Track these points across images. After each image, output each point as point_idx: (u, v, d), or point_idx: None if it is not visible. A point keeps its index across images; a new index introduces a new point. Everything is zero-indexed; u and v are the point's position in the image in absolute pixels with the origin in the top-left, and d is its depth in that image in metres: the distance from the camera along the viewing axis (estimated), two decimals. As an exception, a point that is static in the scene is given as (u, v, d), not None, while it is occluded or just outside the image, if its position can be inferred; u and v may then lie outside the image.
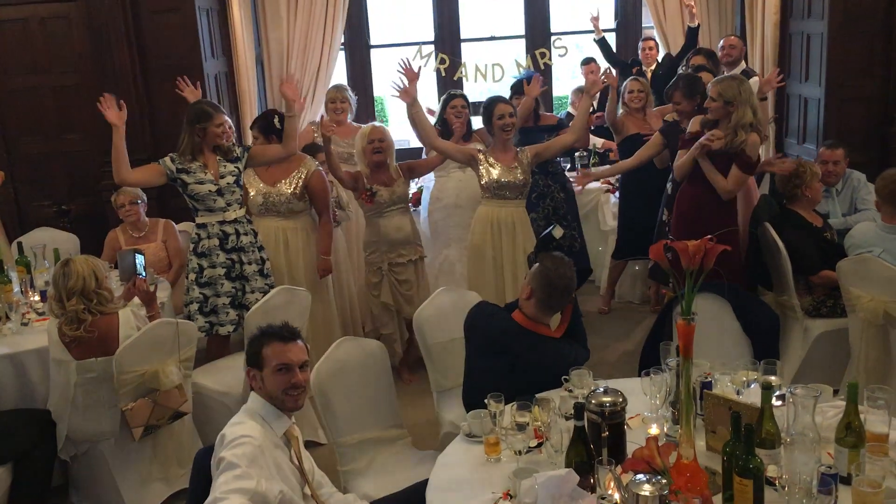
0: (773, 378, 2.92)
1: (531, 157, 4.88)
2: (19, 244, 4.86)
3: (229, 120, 4.71)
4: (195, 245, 4.62)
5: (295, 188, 4.99)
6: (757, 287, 4.98)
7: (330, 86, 6.45)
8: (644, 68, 7.29)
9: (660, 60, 7.41)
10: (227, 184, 4.56)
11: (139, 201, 5.27)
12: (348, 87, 6.20)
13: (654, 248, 2.43)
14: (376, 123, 5.27)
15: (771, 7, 6.99)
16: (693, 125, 4.71)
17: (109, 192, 5.45)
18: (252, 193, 5.00)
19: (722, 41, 6.61)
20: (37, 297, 4.55)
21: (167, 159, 4.54)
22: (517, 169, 4.82)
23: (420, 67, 5.15)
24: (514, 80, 6.29)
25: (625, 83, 5.89)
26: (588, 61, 7.65)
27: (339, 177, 5.04)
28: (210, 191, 4.52)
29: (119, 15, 6.03)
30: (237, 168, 4.61)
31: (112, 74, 6.11)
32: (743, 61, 6.71)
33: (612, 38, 8.36)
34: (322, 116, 5.81)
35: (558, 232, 3.78)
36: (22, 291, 4.63)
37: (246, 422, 2.62)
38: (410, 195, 5.61)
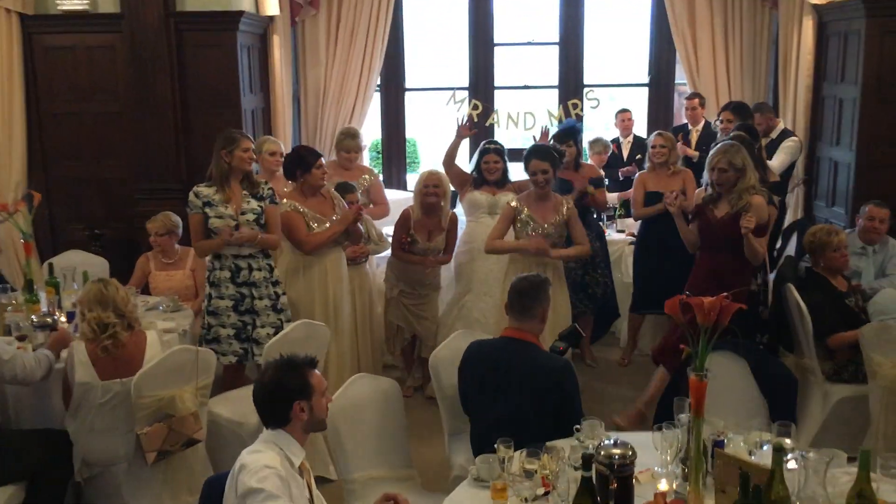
0: (786, 440, 2.90)
1: (567, 216, 4.93)
2: (50, 265, 4.96)
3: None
4: (209, 273, 4.71)
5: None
6: (779, 348, 4.95)
7: (342, 129, 6.44)
8: (690, 128, 7.28)
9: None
10: (247, 220, 4.62)
11: (171, 232, 5.36)
12: (360, 133, 6.28)
13: (669, 303, 2.44)
14: (434, 169, 5.48)
15: (804, 70, 7.03)
16: (698, 198, 4.75)
17: (142, 218, 5.56)
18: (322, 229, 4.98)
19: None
20: (63, 318, 4.62)
21: (192, 197, 4.61)
22: (552, 222, 4.89)
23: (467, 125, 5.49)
24: (561, 128, 6.32)
25: (651, 137, 5.94)
26: (624, 110, 7.70)
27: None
28: (228, 225, 4.59)
29: (163, 47, 6.19)
30: (260, 207, 4.67)
31: (152, 104, 6.26)
32: (780, 121, 6.72)
33: (644, 94, 8.45)
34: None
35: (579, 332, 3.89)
36: (49, 312, 4.70)
37: (265, 451, 2.65)
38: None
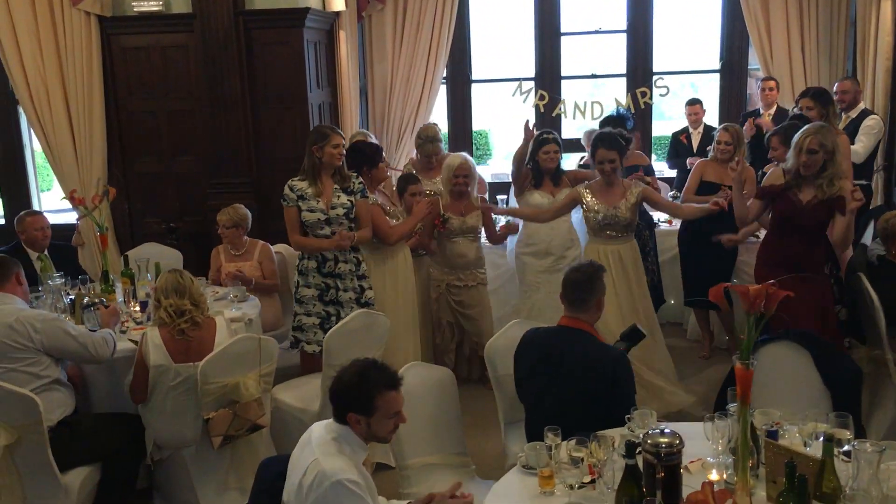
0: (846, 432, 2.82)
1: (639, 198, 4.90)
2: (125, 257, 5.17)
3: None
4: (298, 262, 4.87)
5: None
6: (849, 339, 4.80)
7: (422, 132, 6.29)
8: (762, 112, 7.10)
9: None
10: (337, 214, 4.73)
11: (238, 225, 5.51)
12: (438, 130, 6.30)
13: (714, 291, 2.41)
14: (463, 157, 5.50)
15: (883, 52, 6.78)
16: (770, 178, 4.60)
17: (214, 212, 5.72)
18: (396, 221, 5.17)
19: (836, 85, 6.39)
20: (137, 308, 4.82)
21: (287, 190, 4.76)
22: (620, 207, 4.87)
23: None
24: (608, 115, 6.28)
25: (717, 130, 5.80)
26: (693, 102, 7.54)
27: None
28: (319, 219, 4.72)
29: (233, 46, 6.36)
30: (350, 201, 4.77)
31: (223, 101, 6.44)
32: (861, 102, 6.48)
33: (715, 80, 8.27)
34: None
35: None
36: (124, 301, 4.92)
37: (336, 454, 2.67)
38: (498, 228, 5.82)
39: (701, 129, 7.39)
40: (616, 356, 3.30)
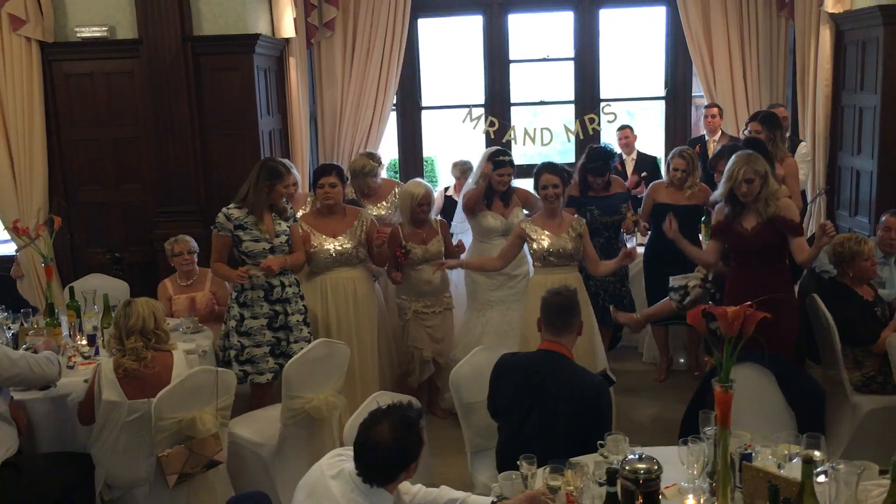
0: (816, 453, 2.83)
1: (582, 232, 4.89)
2: (71, 289, 4.98)
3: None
4: (238, 294, 4.72)
5: (360, 238, 5.13)
6: (805, 360, 4.87)
7: (353, 168, 5.92)
8: (707, 139, 7.20)
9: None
10: (280, 242, 4.71)
11: (194, 252, 5.39)
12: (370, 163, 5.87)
13: (692, 314, 2.40)
14: (426, 187, 5.41)
15: (822, 79, 6.97)
16: (717, 216, 4.64)
17: (162, 241, 5.57)
18: (318, 247, 5.06)
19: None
20: (84, 342, 4.64)
21: (222, 218, 4.66)
22: (566, 237, 4.85)
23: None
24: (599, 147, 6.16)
25: (671, 154, 5.85)
26: (623, 127, 7.57)
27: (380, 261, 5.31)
28: (264, 248, 4.65)
29: (181, 71, 6.22)
30: (288, 227, 4.79)
31: (171, 128, 6.28)
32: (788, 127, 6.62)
33: (661, 107, 8.42)
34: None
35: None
36: (70, 335, 4.73)
37: None
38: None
39: (634, 155, 7.46)
40: (599, 382, 3.29)
